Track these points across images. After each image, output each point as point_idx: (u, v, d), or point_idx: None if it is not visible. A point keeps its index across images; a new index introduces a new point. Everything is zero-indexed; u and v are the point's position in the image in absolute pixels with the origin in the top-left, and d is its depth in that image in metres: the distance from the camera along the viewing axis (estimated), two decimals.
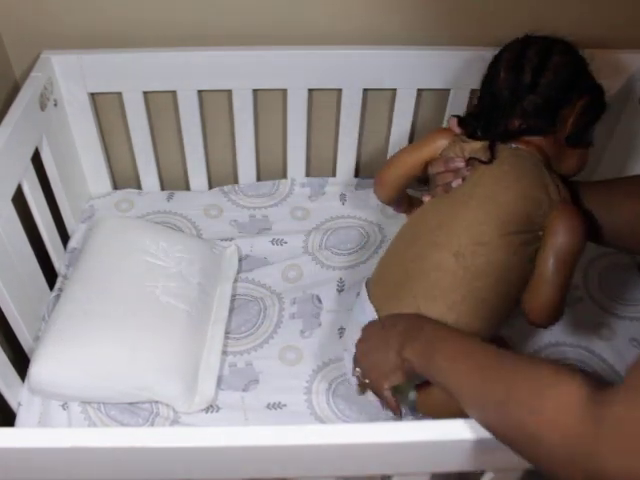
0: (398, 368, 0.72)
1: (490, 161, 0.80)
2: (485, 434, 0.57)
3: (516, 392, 0.55)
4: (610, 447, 0.46)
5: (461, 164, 0.83)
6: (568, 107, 0.82)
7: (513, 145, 0.82)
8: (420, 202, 1.02)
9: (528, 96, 0.81)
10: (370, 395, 0.81)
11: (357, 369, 0.80)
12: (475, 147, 0.83)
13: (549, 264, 0.76)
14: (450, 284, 0.77)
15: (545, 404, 0.51)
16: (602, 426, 0.46)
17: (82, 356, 0.86)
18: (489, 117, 0.83)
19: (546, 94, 0.80)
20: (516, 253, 0.77)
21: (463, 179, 0.82)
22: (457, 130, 0.86)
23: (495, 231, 0.77)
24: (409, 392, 0.77)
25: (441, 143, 0.87)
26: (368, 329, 0.80)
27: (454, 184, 0.82)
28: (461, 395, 0.60)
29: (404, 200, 1.00)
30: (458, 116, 0.88)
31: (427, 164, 0.89)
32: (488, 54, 1.05)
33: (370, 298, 0.85)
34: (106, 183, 1.22)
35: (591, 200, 0.84)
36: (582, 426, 0.48)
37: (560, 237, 0.76)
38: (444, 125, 1.18)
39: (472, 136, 0.84)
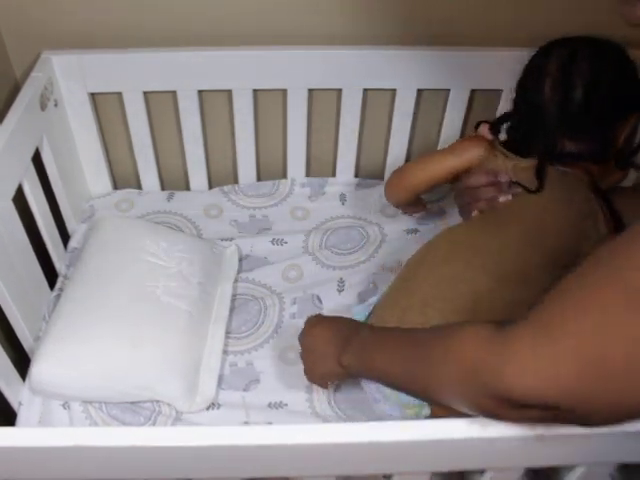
0: (334, 374, 0.73)
1: (538, 190, 0.76)
2: (485, 434, 0.57)
3: (429, 356, 0.57)
4: (515, 368, 0.47)
5: (505, 179, 0.79)
6: (620, 125, 0.76)
7: (560, 168, 0.76)
8: (423, 203, 1.00)
9: (579, 115, 0.75)
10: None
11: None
12: (520, 165, 0.78)
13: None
14: (476, 304, 0.73)
15: (453, 352, 0.53)
16: (507, 350, 0.48)
17: (83, 356, 0.86)
18: (531, 133, 0.78)
19: (599, 113, 0.74)
20: None
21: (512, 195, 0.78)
22: (489, 137, 0.84)
23: (542, 265, 0.73)
24: (422, 410, 0.77)
25: (475, 153, 0.83)
26: (314, 327, 0.79)
27: (501, 199, 0.79)
28: (403, 386, 0.63)
29: (416, 203, 0.99)
30: (488, 122, 0.83)
31: (457, 174, 0.85)
32: (488, 54, 1.06)
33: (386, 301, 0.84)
34: (106, 183, 1.22)
35: (622, 204, 0.81)
36: (489, 354, 0.49)
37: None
38: (444, 125, 1.18)
39: (514, 150, 0.80)
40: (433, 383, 0.57)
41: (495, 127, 0.84)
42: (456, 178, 0.88)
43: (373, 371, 0.67)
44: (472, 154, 0.83)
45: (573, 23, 1.05)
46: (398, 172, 0.93)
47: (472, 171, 0.84)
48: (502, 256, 0.75)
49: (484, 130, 0.84)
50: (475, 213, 0.82)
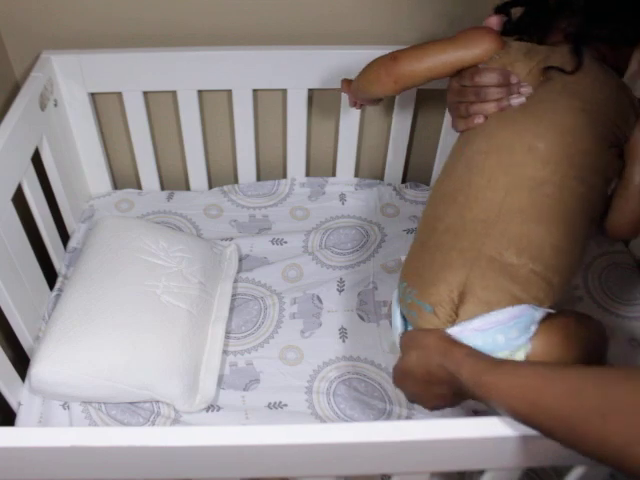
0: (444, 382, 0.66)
1: (577, 69, 0.71)
2: (485, 434, 0.57)
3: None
4: None
5: (516, 80, 0.73)
6: None
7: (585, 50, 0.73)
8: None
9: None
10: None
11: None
12: (544, 54, 0.73)
13: None
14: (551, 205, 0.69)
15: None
16: None
17: (83, 356, 0.86)
18: (554, 16, 0.74)
19: None
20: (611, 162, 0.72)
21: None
22: (497, 28, 0.77)
23: (596, 139, 0.70)
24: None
25: (486, 45, 0.75)
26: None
27: (514, 102, 0.73)
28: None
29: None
30: (502, 9, 0.77)
31: (460, 68, 0.78)
32: None
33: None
34: (106, 183, 1.22)
35: None
36: None
37: None
38: (443, 125, 1.18)
39: (536, 39, 0.75)
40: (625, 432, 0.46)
41: (504, 14, 0.77)
42: (456, 73, 0.80)
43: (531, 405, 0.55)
44: (483, 47, 0.76)
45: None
46: (386, 61, 0.81)
47: (480, 67, 0.76)
48: (560, 138, 0.70)
49: (493, 21, 0.77)
50: (479, 119, 0.75)
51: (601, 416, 0.47)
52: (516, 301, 0.68)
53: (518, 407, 0.54)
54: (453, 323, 0.70)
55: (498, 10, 0.80)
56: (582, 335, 0.72)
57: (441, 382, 0.66)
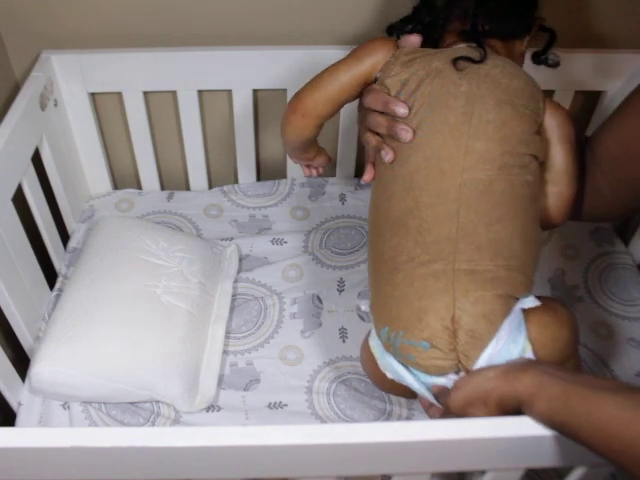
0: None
1: (484, 57, 0.70)
2: (485, 434, 0.57)
3: None
4: None
5: (402, 107, 0.69)
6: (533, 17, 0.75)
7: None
8: (324, 153, 0.87)
9: None
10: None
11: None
12: (445, 54, 0.71)
13: (569, 159, 0.73)
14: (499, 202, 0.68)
15: None
16: None
17: (83, 356, 0.86)
18: (447, 19, 0.73)
19: None
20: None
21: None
22: (417, 45, 0.73)
23: (527, 128, 0.69)
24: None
25: (382, 55, 0.72)
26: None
27: (402, 133, 0.68)
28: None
29: (314, 145, 0.84)
30: (395, 26, 0.76)
31: (364, 85, 0.74)
32: None
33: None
34: (106, 183, 1.22)
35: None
36: None
37: (566, 129, 0.72)
38: None
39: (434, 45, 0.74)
40: None
41: (404, 28, 0.75)
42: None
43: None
44: (379, 57, 0.72)
45: (576, 22, 1.06)
46: (291, 100, 0.77)
47: (367, 88, 0.73)
48: (496, 132, 0.68)
49: (414, 40, 0.73)
50: (388, 157, 0.71)
51: None
52: (506, 301, 0.67)
53: (603, 451, 0.53)
54: (455, 349, 0.66)
55: (390, 29, 0.78)
56: (564, 309, 0.71)
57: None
